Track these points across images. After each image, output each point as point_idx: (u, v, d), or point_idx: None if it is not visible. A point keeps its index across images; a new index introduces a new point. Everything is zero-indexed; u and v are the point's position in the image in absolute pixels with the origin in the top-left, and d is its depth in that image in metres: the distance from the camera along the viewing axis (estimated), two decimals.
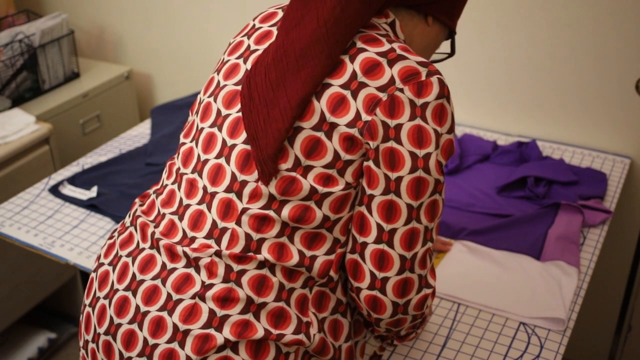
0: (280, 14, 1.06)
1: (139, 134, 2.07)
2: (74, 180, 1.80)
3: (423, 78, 0.92)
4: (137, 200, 1.13)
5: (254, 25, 1.07)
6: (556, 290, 1.38)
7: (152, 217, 1.05)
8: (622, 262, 1.96)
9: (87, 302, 1.06)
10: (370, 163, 0.93)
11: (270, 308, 0.95)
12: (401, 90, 0.91)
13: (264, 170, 0.93)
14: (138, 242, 1.04)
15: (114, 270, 1.04)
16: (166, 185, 1.06)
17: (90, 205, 1.70)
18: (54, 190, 1.76)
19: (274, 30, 1.03)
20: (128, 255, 1.03)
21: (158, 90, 2.63)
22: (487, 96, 2.01)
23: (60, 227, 1.63)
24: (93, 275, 1.08)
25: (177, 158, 1.06)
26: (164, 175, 1.09)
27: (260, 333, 0.94)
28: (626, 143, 1.89)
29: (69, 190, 1.76)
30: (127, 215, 1.12)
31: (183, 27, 2.43)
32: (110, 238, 1.11)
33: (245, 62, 1.02)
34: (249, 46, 1.04)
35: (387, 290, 0.97)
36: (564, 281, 1.41)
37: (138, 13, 2.51)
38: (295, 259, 0.96)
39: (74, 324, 2.40)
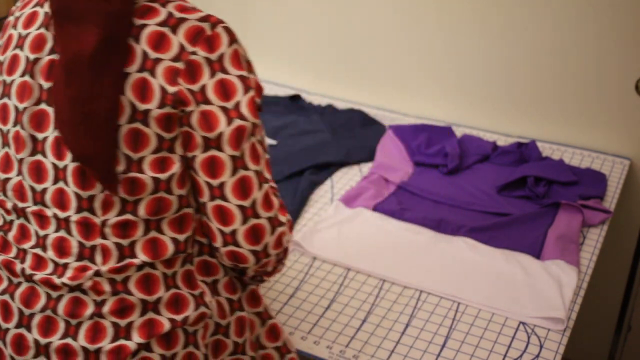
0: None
1: None
2: None
3: (209, 32, 0.93)
4: None
5: (16, 16, 1.02)
6: (556, 290, 1.38)
7: (12, 254, 1.01)
8: (622, 262, 1.96)
9: None
10: (187, 128, 0.94)
11: (165, 299, 0.98)
12: (194, 53, 0.92)
13: (110, 187, 0.93)
14: (9, 278, 1.00)
15: None
16: (11, 220, 1.02)
17: None
18: None
19: (38, 9, 0.98)
20: (3, 293, 1.00)
21: None
22: (487, 97, 2.02)
23: None
24: None
25: (5, 195, 1.01)
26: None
27: (167, 326, 0.96)
28: (626, 144, 1.89)
29: None
30: None
31: None
32: None
33: (33, 76, 0.97)
34: (19, 34, 0.99)
35: (240, 242, 0.98)
36: (563, 281, 1.41)
37: None
38: (171, 249, 0.98)
39: None
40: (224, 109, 0.93)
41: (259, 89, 0.99)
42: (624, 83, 1.81)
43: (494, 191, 1.73)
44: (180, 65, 0.92)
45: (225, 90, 0.93)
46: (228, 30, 0.95)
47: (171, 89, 0.92)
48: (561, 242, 1.51)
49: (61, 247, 0.97)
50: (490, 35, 1.93)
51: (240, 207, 0.96)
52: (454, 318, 1.35)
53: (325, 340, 1.30)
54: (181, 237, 0.99)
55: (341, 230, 1.58)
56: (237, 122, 0.94)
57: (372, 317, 1.35)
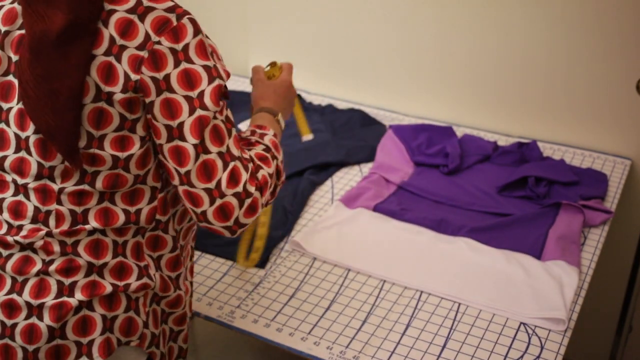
0: None
1: None
2: None
3: (175, 23, 0.96)
4: None
5: None
6: (557, 290, 1.38)
7: None
8: (623, 262, 1.96)
9: None
10: (150, 116, 0.98)
11: (111, 266, 1.03)
12: (158, 42, 0.95)
13: (72, 160, 0.97)
14: None
15: None
16: None
17: None
18: None
19: (16, 6, 1.01)
20: None
21: None
22: (488, 97, 2.01)
23: None
24: None
25: None
26: None
27: (108, 289, 1.02)
28: (626, 144, 1.89)
29: None
30: None
31: None
32: None
33: (2, 48, 1.00)
34: None
35: (211, 221, 1.03)
36: (564, 281, 1.41)
37: None
38: (122, 219, 1.03)
39: None
40: (188, 98, 0.97)
41: (226, 75, 1.02)
42: (624, 83, 1.81)
43: (495, 191, 1.73)
44: (144, 53, 0.95)
45: (189, 80, 0.97)
46: (193, 21, 0.98)
47: (134, 77, 0.95)
48: (562, 243, 1.50)
49: (17, 210, 1.02)
50: (491, 35, 1.93)
51: (207, 189, 1.00)
52: (455, 319, 1.35)
53: (326, 341, 1.30)
54: (132, 209, 1.04)
55: (341, 231, 1.57)
56: (199, 112, 0.97)
57: (373, 318, 1.35)
